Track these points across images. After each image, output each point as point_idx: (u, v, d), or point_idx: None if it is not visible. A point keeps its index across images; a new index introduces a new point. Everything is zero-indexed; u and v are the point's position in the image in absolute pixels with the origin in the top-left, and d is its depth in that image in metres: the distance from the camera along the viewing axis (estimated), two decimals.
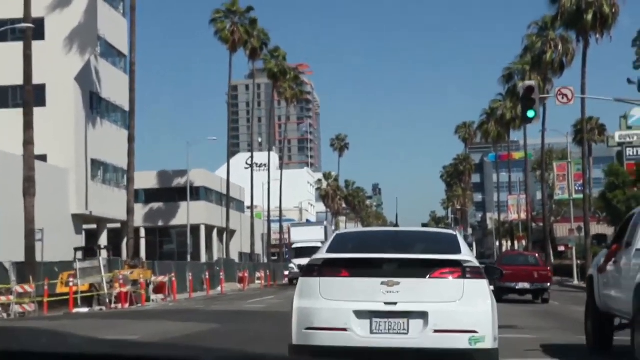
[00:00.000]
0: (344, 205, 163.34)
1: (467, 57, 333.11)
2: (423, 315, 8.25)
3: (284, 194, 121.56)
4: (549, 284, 30.61)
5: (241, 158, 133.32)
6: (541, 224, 71.84)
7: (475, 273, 8.51)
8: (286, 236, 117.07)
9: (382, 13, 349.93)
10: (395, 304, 8.28)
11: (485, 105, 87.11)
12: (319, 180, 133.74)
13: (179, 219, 68.65)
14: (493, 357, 8.48)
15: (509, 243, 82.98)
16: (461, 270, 8.44)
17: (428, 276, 8.41)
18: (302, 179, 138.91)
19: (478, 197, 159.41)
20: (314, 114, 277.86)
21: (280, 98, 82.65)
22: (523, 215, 70.11)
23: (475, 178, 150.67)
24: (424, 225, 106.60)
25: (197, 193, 69.12)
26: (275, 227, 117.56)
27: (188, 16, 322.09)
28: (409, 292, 8.33)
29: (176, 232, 69.94)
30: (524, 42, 55.80)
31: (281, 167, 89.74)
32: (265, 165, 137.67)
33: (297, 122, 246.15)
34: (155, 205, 69.27)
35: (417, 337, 8.23)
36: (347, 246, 9.22)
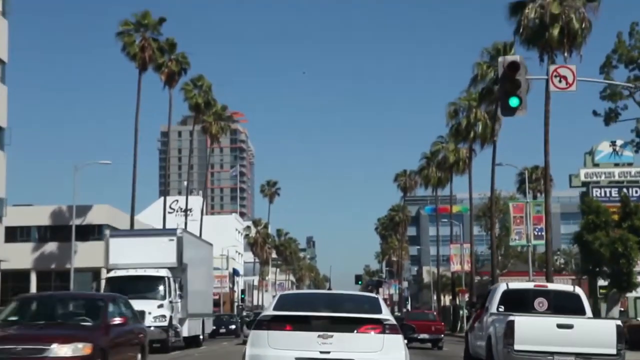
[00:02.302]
0: (274, 255, 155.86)
1: (410, 100, 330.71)
2: None
3: (211, 240, 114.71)
4: (442, 335, 38.81)
5: (166, 201, 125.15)
6: (486, 277, 65.41)
7: (393, 329, 10.93)
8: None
9: (317, 55, 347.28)
10: (328, 352, 10.60)
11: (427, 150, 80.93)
12: (248, 227, 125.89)
13: (79, 261, 60.14)
14: None
15: (449, 297, 76.02)
16: (382, 327, 10.85)
17: (355, 331, 10.80)
18: (229, 225, 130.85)
19: (413, 250, 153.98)
20: (248, 163, 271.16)
21: (205, 135, 75.02)
22: (466, 267, 63.53)
23: (411, 231, 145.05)
24: (357, 276, 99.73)
25: (100, 232, 60.73)
26: None
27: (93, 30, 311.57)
28: (340, 344, 10.64)
29: (76, 276, 61.26)
30: (474, 71, 49.41)
31: (202, 213, 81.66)
32: (191, 210, 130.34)
33: (230, 170, 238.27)
34: (50, 245, 60.58)
35: None
36: (290, 305, 11.42)
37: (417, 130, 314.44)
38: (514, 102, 18.54)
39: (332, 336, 10.60)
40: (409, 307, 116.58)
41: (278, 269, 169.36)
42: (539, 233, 39.91)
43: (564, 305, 16.66)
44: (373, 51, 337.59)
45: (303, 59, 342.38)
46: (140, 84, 53.43)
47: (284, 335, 10.73)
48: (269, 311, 11.25)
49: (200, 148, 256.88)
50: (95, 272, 61.29)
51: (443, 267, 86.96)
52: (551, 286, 18.68)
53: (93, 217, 61.39)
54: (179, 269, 29.97)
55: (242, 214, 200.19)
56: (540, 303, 16.61)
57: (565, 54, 35.77)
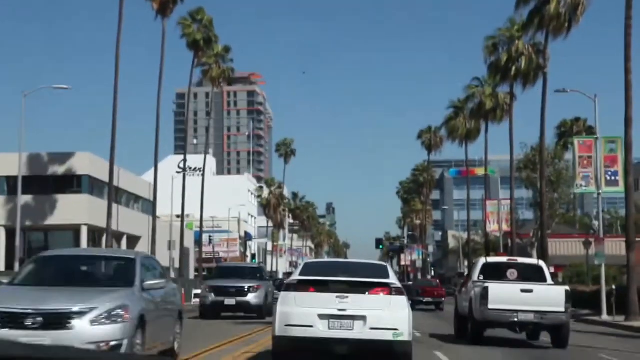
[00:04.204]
0: (290, 219, 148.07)
1: (436, 51, 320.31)
2: (363, 318, 12.68)
3: (221, 202, 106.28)
4: (443, 299, 46.63)
5: (173, 160, 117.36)
6: (525, 240, 57.06)
7: (399, 291, 13.07)
8: (218, 249, 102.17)
9: (338, 23, 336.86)
10: (345, 310, 12.70)
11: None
12: (260, 188, 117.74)
13: (57, 217, 52.48)
14: (408, 346, 12.99)
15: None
16: (389, 289, 13.01)
17: (367, 292, 12.92)
18: (242, 186, 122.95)
19: (436, 215, 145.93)
20: (265, 126, 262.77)
21: (205, 78, 66.51)
22: (505, 227, 55.13)
23: (434, 195, 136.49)
24: (378, 240, 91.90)
25: (79, 183, 52.95)
26: (206, 239, 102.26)
27: None
28: (354, 303, 12.73)
29: (52, 234, 53.76)
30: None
31: (203, 173, 73.51)
32: (201, 169, 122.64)
33: (247, 133, 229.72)
34: (23, 198, 52.62)
35: (359, 332, 12.68)
36: (313, 271, 13.71)
37: (442, 85, 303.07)
38: None
39: (347, 297, 12.72)
40: (432, 273, 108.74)
41: (296, 235, 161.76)
42: (612, 178, 31.31)
43: (530, 274, 20.30)
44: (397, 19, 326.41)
45: (323, 19, 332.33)
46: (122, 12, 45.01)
47: (308, 296, 12.88)
48: (296, 276, 13.54)
49: (217, 110, 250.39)
50: (76, 230, 53.71)
51: (471, 231, 78.89)
52: (520, 260, 22.81)
53: (73, 166, 53.40)
54: None
55: (259, 179, 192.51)
56: (511, 273, 20.25)
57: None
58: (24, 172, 52.38)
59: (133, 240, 64.12)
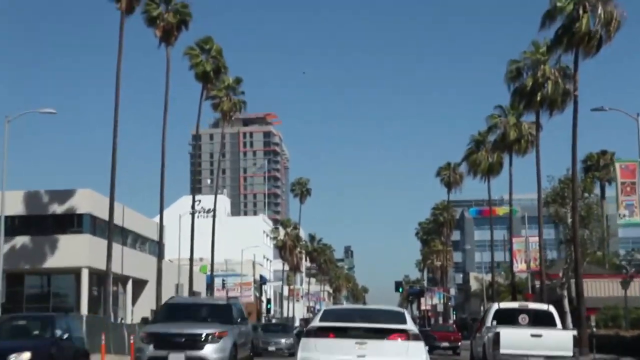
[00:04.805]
0: (307, 263, 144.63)
1: (452, 91, 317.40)
2: None
3: (235, 244, 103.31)
4: (459, 343, 47.74)
5: (187, 201, 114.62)
6: (555, 280, 53.39)
7: (416, 337, 13.34)
8: (232, 293, 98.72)
9: (352, 60, 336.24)
10: (364, 356, 12.91)
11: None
12: (276, 229, 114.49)
13: (58, 259, 49.53)
14: None
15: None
16: (407, 335, 13.25)
17: (385, 338, 13.18)
18: (257, 227, 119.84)
19: (457, 257, 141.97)
20: (282, 167, 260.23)
21: (216, 111, 63.75)
22: (533, 266, 51.54)
23: (454, 236, 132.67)
24: (397, 283, 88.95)
25: (80, 223, 50.01)
26: (219, 283, 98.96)
27: None
28: (373, 349, 12.97)
29: (53, 278, 50.86)
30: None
31: (214, 212, 70.78)
32: (215, 211, 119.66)
33: (263, 174, 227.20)
34: (20, 239, 49.75)
35: None
36: (332, 317, 14.07)
37: (462, 121, 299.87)
38: None
39: (366, 343, 12.97)
40: (453, 318, 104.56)
41: (314, 279, 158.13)
42: None
43: (540, 319, 21.37)
44: (410, 35, 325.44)
45: (337, 56, 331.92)
46: (123, 28, 42.46)
47: (328, 342, 13.16)
48: (316, 323, 13.88)
49: (233, 152, 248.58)
50: (77, 273, 50.73)
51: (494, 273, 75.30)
52: (532, 305, 23.65)
53: (74, 204, 50.52)
54: None
55: (275, 221, 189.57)
56: (523, 318, 21.30)
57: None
58: (21, 212, 49.77)
59: (139, 285, 61.13)
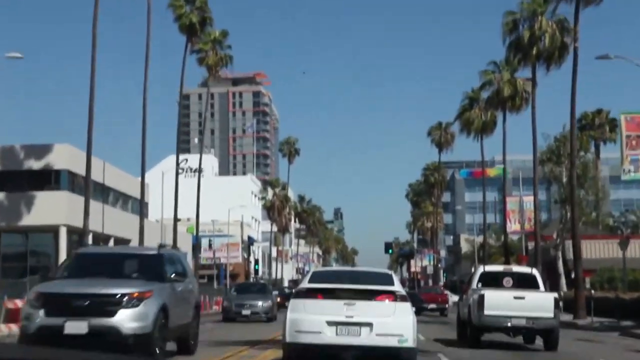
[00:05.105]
0: (296, 224, 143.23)
1: (443, 53, 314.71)
2: (369, 325, 13.04)
3: (222, 204, 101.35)
4: (447, 305, 50.61)
5: (172, 160, 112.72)
6: (549, 242, 51.97)
7: (403, 298, 13.47)
8: (219, 254, 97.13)
9: (346, 19, 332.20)
10: (352, 317, 13.07)
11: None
12: (264, 189, 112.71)
13: (34, 217, 47.67)
14: (413, 352, 13.51)
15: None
16: (394, 296, 13.39)
17: (373, 299, 13.30)
18: (245, 188, 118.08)
19: (447, 219, 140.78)
20: (271, 128, 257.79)
21: (201, 65, 61.47)
22: (527, 226, 49.98)
23: (444, 197, 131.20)
24: (387, 244, 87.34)
25: (58, 179, 48.09)
26: (206, 244, 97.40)
27: None
28: (361, 310, 13.13)
29: (28, 236, 49.01)
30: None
31: (199, 170, 68.91)
32: (201, 170, 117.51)
33: (252, 135, 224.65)
34: None
35: (365, 338, 13.04)
36: (321, 279, 14.15)
37: (452, 82, 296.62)
38: None
39: (354, 304, 13.15)
40: (443, 280, 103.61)
41: (304, 241, 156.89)
42: None
43: (523, 282, 21.65)
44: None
45: (326, 16, 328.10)
46: None
47: (316, 303, 13.31)
48: (305, 284, 13.96)
49: (221, 112, 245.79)
50: (55, 232, 48.93)
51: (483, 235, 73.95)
52: (515, 268, 24.49)
53: (51, 160, 48.55)
54: None
55: (265, 182, 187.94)
56: (507, 281, 21.69)
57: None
58: None
59: (121, 244, 59.34)
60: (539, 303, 20.46)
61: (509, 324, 20.52)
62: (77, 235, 47.58)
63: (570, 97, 37.11)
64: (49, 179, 48.59)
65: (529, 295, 20.65)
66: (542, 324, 20.34)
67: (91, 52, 39.62)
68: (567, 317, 38.26)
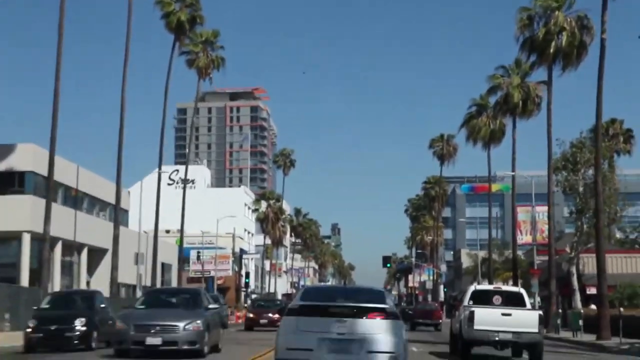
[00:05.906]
0: (292, 238, 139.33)
1: (447, 62, 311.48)
2: (361, 342, 13.07)
3: (214, 216, 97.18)
4: (440, 321, 53.35)
5: (164, 172, 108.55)
6: (561, 255, 47.73)
7: (394, 316, 13.57)
8: (208, 267, 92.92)
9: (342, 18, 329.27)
10: (343, 334, 13.13)
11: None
12: (257, 201, 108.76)
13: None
14: None
15: (510, 283, 57.52)
16: (385, 314, 13.47)
17: (365, 317, 13.32)
18: (238, 200, 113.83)
19: (447, 234, 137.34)
20: (269, 142, 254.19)
21: (191, 68, 57.30)
22: (539, 238, 45.79)
23: (444, 213, 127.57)
24: (385, 258, 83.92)
25: (22, 182, 43.88)
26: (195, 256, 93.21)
27: None
28: (353, 327, 13.19)
29: None
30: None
31: (185, 180, 64.73)
32: (194, 182, 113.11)
33: (250, 149, 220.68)
34: None
35: (357, 355, 13.05)
36: (313, 296, 14.36)
37: (454, 97, 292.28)
38: None
39: (346, 321, 13.19)
40: (443, 296, 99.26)
41: (300, 256, 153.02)
42: None
43: (511, 300, 22.96)
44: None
45: (328, 28, 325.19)
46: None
47: (309, 320, 13.34)
48: (297, 301, 14.01)
49: (219, 126, 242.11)
50: (19, 239, 44.58)
51: (485, 251, 70.11)
52: (504, 287, 26.90)
53: (15, 161, 44.35)
54: None
55: (259, 194, 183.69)
56: (497, 299, 22.93)
57: None
58: None
59: (97, 254, 55.05)
60: (525, 319, 21.85)
61: (497, 338, 21.97)
62: (40, 242, 43.36)
63: (596, 94, 33.76)
64: (12, 181, 44.48)
65: (516, 312, 22.06)
66: (527, 339, 21.82)
67: (57, 47, 35.76)
68: (589, 338, 34.44)
